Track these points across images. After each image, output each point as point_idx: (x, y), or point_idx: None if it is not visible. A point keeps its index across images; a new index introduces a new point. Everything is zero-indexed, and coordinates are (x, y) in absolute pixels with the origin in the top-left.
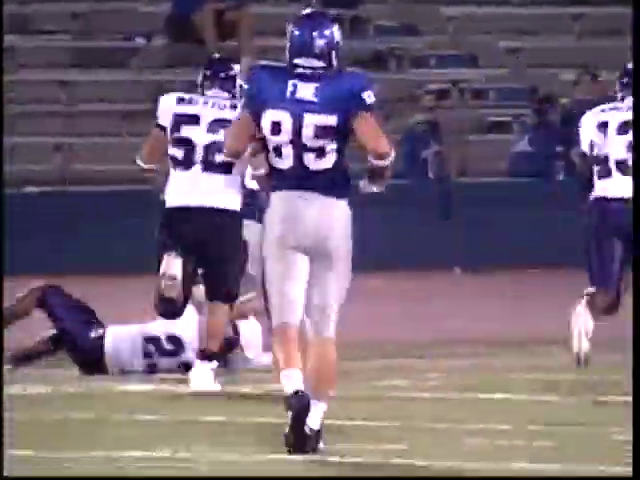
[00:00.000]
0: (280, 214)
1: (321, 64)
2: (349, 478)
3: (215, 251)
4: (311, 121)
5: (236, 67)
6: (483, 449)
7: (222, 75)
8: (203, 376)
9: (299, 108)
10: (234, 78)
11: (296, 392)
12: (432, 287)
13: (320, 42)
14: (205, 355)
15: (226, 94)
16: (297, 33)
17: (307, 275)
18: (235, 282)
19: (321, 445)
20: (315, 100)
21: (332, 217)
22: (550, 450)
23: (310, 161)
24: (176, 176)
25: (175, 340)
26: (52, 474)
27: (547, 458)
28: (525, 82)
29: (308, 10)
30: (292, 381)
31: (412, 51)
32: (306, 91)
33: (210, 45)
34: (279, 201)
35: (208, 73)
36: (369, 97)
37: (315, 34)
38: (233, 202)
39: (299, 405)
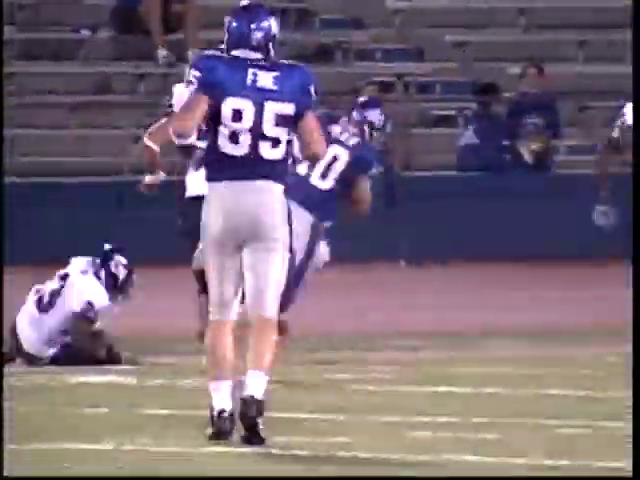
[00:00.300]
0: (218, 212)
1: (258, 55)
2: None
3: None
4: (272, 109)
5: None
6: (426, 442)
7: None
8: None
9: (260, 96)
10: None
11: (220, 413)
12: (378, 279)
13: (258, 34)
14: None
15: None
16: (235, 25)
17: (242, 268)
18: None
19: (262, 431)
20: (275, 88)
21: (268, 201)
22: (494, 442)
23: (265, 150)
24: None
25: (62, 275)
26: None
27: (491, 451)
28: (471, 76)
29: (246, 2)
30: (219, 395)
31: (358, 44)
32: (267, 80)
33: (156, 37)
34: (217, 196)
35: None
36: (314, 94)
37: (253, 26)
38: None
39: (222, 427)
